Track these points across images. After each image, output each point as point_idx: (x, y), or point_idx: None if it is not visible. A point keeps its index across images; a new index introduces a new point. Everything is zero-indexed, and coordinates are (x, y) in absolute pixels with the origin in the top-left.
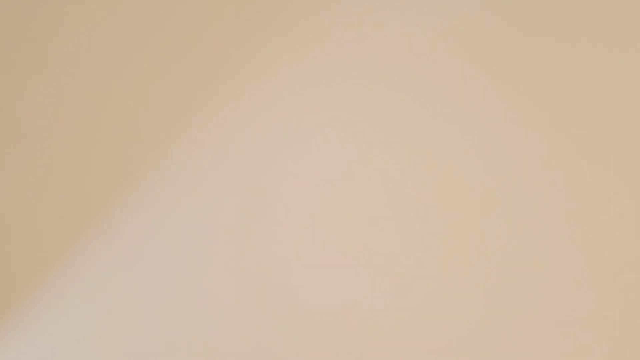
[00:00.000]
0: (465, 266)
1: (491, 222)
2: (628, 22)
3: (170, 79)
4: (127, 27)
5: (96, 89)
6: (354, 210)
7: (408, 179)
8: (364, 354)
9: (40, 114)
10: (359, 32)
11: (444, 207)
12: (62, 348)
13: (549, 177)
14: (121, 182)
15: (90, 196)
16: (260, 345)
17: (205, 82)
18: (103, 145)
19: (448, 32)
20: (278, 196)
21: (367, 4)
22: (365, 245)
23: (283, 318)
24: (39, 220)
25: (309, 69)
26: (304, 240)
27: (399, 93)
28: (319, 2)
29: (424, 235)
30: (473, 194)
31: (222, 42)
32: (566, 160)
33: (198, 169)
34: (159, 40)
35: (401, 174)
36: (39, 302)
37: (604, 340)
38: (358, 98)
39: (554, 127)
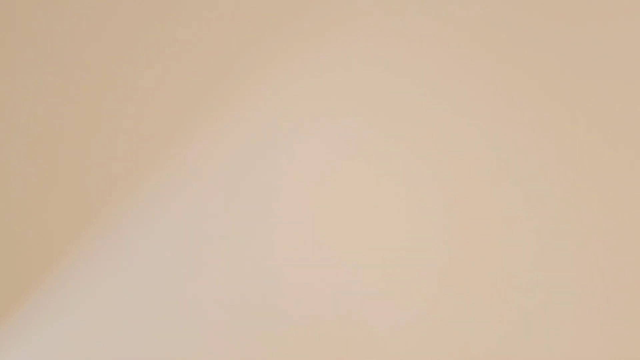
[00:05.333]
0: (483, 278)
1: (511, 227)
2: None
3: (168, 77)
4: (122, 27)
5: (91, 89)
6: (357, 215)
7: (418, 178)
8: None
9: (37, 114)
10: (365, 22)
11: (459, 211)
12: (60, 349)
13: (573, 177)
14: (115, 185)
15: (88, 199)
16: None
17: (203, 77)
18: (97, 146)
19: (458, 20)
20: (277, 199)
21: None
22: (369, 253)
23: (278, 331)
24: (35, 223)
25: (313, 62)
26: (304, 247)
27: (408, 86)
28: None
29: (435, 242)
30: (489, 195)
31: (221, 36)
32: (591, 156)
33: (193, 172)
34: (156, 43)
35: (411, 173)
36: (36, 304)
37: None
38: (361, 94)
39: (577, 121)
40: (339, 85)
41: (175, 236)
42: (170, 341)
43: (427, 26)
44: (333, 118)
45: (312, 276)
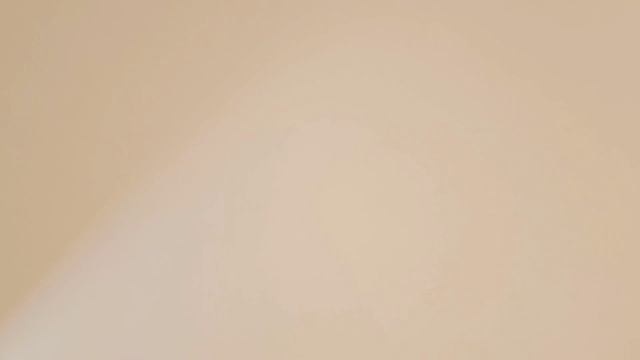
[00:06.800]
0: (483, 273)
1: (509, 222)
2: None
3: (166, 79)
4: (121, 28)
5: (90, 90)
6: (356, 213)
7: (417, 177)
8: None
9: (38, 115)
10: (364, 25)
11: (458, 208)
12: (61, 349)
13: (571, 177)
14: (115, 186)
15: (88, 199)
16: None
17: (201, 80)
18: (98, 147)
19: (456, 24)
20: (277, 197)
21: None
22: (370, 249)
23: (278, 330)
24: (35, 223)
25: (311, 65)
26: (305, 246)
27: (406, 89)
28: None
29: (435, 238)
30: (487, 192)
31: (220, 39)
32: (589, 157)
33: (193, 172)
34: (154, 45)
35: (410, 172)
36: (36, 304)
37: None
38: (359, 95)
39: (574, 121)
40: (338, 87)
41: (175, 236)
42: (170, 341)
43: (425, 29)
44: (332, 120)
45: (313, 274)
